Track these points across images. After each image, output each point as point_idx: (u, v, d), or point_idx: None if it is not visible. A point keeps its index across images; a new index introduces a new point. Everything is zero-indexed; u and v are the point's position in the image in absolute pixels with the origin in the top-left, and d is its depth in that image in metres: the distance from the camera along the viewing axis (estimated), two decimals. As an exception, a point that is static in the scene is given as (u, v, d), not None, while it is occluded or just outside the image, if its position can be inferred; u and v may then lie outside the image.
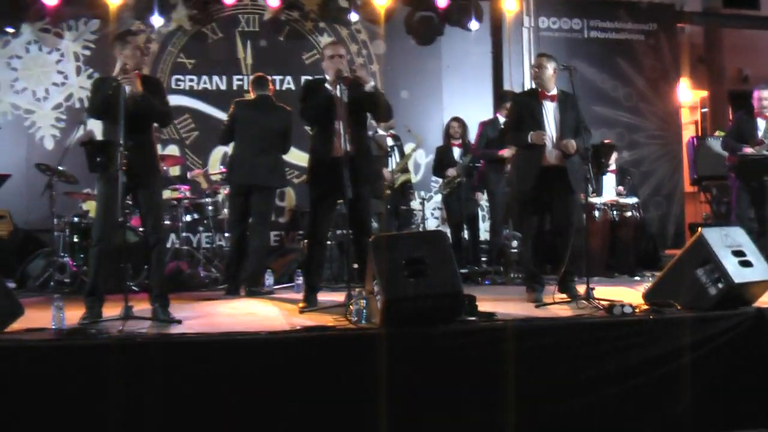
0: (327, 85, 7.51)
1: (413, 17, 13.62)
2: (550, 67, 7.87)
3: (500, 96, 11.44)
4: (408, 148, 11.76)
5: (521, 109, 8.04)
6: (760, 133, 9.93)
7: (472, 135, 11.31)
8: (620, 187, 11.17)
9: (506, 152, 10.36)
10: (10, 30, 12.40)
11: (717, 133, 12.75)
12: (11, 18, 12.37)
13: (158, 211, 7.05)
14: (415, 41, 13.71)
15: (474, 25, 13.56)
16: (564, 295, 7.47)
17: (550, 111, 7.84)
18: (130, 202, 7.60)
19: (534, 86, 8.17)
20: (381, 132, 11.07)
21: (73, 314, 6.48)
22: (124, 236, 7.07)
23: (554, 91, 7.91)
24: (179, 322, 6.43)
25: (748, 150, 9.86)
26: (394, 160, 11.24)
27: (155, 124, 7.11)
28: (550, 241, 8.28)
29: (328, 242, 9.36)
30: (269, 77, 9.78)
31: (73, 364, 5.16)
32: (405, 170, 11.51)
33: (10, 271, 10.14)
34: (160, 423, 5.17)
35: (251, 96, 9.61)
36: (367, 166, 7.76)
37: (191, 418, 5.21)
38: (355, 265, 7.98)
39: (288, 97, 11.04)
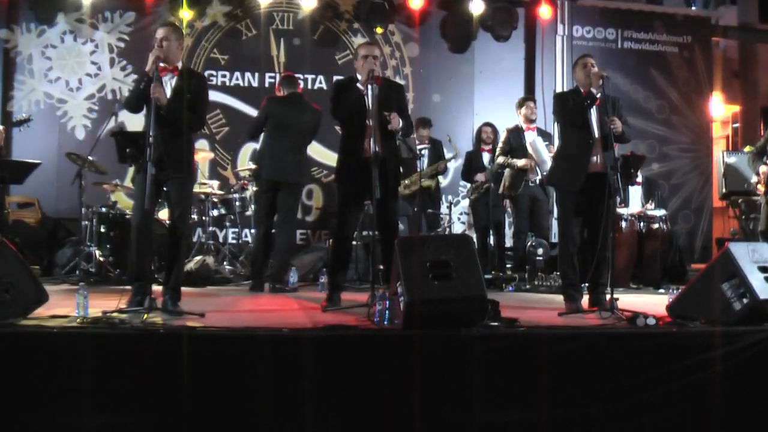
0: (358, 85, 7.51)
1: (448, 21, 13.62)
2: (596, 68, 7.73)
3: (519, 101, 11.27)
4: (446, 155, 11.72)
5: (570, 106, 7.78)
6: None
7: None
8: (649, 203, 11.17)
9: (519, 162, 10.44)
10: None
11: (746, 149, 12.69)
12: (47, 8, 12.45)
13: (186, 204, 7.08)
14: (448, 45, 13.71)
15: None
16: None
17: (593, 113, 7.65)
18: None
19: (577, 87, 7.91)
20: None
21: (98, 303, 6.52)
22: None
23: (597, 94, 7.60)
24: (202, 315, 6.43)
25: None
26: (425, 162, 11.24)
27: None
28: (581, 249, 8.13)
29: (354, 242, 9.36)
30: (297, 76, 9.81)
31: (94, 352, 5.18)
32: (432, 176, 11.48)
33: (37, 259, 10.24)
34: (179, 414, 5.19)
35: (280, 94, 9.64)
36: (396, 167, 7.76)
37: (211, 410, 5.23)
38: (381, 266, 7.97)
39: (320, 97, 11.07)
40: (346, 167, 7.61)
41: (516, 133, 10.81)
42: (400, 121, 7.45)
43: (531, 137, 10.61)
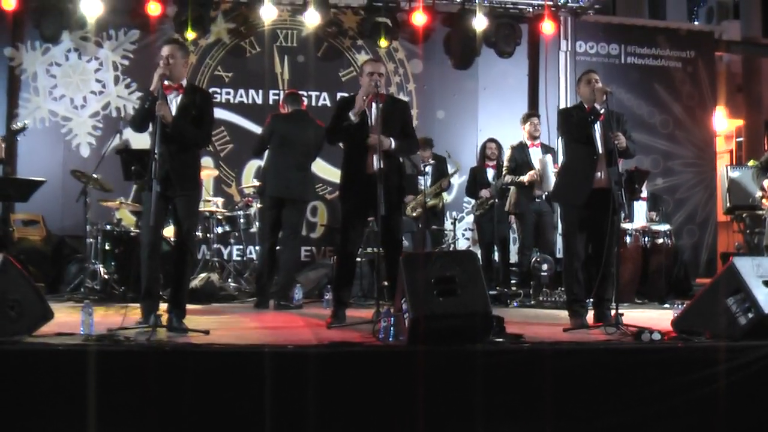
0: (351, 114, 7.38)
1: (451, 37, 13.64)
2: (600, 83, 7.71)
3: (524, 117, 11.23)
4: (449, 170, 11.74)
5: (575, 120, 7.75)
6: None
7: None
8: (652, 213, 11.13)
9: (525, 177, 10.42)
10: None
11: (750, 163, 12.68)
12: (52, 26, 12.47)
13: (192, 221, 7.09)
14: (452, 62, 13.72)
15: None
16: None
17: (597, 129, 7.62)
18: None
19: (581, 103, 7.88)
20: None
21: (102, 320, 6.52)
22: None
23: (601, 110, 7.53)
24: (207, 332, 6.42)
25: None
26: (428, 180, 11.24)
27: None
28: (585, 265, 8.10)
29: (359, 259, 9.36)
30: (301, 93, 9.85)
31: (99, 369, 5.19)
32: (437, 194, 11.50)
33: (43, 276, 10.25)
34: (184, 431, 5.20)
35: (284, 111, 9.66)
36: (400, 182, 7.73)
37: (215, 427, 5.23)
38: (385, 283, 7.96)
39: (323, 114, 11.07)
40: (350, 183, 7.60)
41: (520, 150, 10.79)
42: (391, 141, 7.43)
43: (537, 154, 10.60)
